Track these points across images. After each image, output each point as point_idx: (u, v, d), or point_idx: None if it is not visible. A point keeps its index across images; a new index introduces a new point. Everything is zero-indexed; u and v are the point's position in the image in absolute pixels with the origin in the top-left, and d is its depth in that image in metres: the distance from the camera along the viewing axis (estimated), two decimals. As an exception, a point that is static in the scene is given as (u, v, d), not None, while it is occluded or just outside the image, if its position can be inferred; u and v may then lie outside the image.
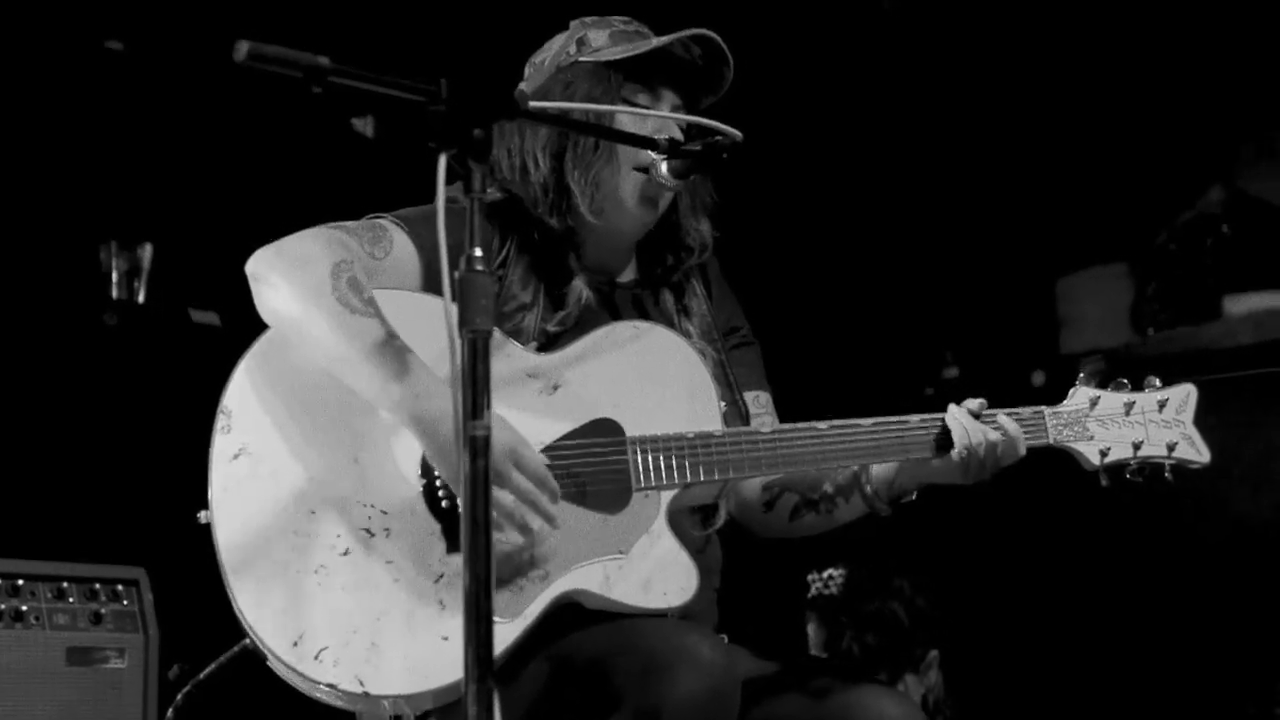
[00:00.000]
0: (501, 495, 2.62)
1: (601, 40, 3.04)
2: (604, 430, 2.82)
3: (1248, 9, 5.77)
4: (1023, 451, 2.99)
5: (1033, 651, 5.67)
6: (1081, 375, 3.12)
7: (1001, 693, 5.63)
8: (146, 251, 5.42)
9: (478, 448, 2.10)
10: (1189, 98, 6.05)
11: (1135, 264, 6.19)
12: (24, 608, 3.99)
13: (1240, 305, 5.66)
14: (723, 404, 2.92)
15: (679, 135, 2.95)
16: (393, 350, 2.65)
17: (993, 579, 5.81)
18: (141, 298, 5.41)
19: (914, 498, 3.06)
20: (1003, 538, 5.63)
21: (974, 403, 2.99)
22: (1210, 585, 5.10)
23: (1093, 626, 5.50)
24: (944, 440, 2.95)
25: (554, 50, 3.08)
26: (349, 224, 2.89)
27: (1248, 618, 5.01)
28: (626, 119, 2.99)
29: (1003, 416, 2.98)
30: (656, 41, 3.00)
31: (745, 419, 3.08)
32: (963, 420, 2.94)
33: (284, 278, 2.73)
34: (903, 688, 5.11)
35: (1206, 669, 5.07)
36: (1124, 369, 5.60)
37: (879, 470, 3.04)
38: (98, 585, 4.12)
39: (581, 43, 3.05)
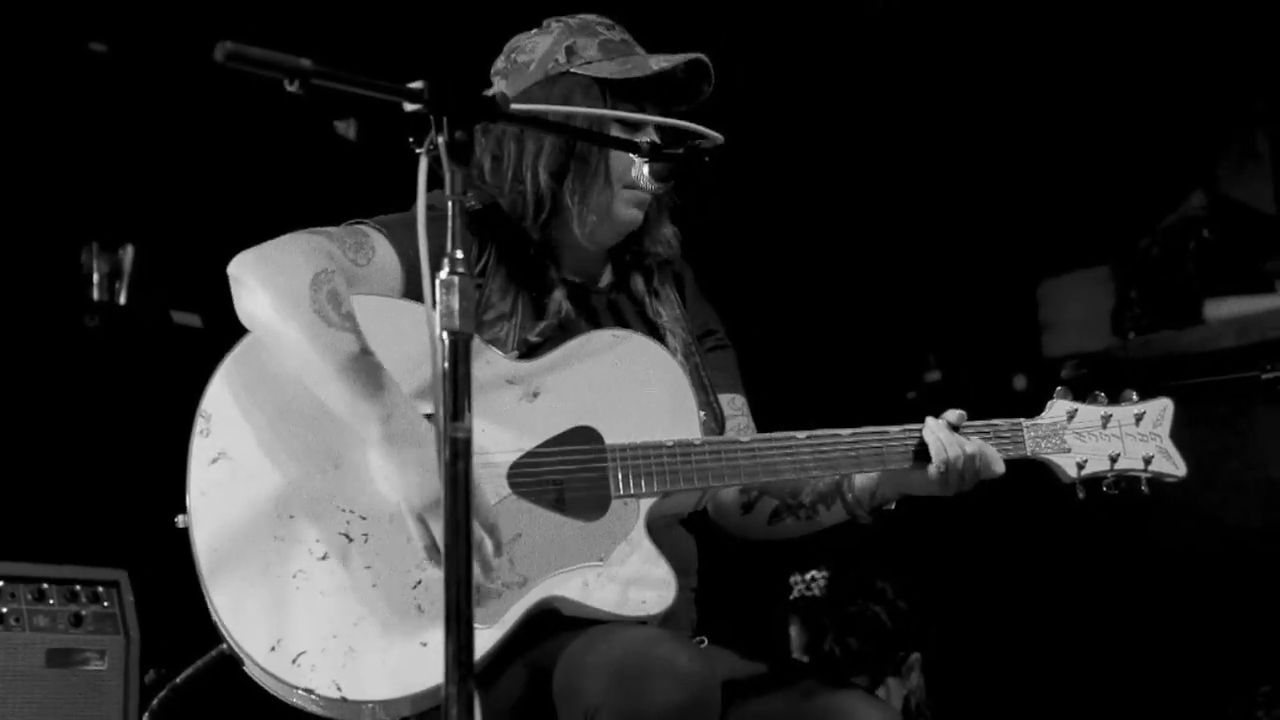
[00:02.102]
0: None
1: (592, 51, 3.02)
2: (584, 438, 2.82)
3: (1229, 14, 5.78)
4: (1000, 469, 2.98)
5: (1015, 655, 5.68)
6: (1059, 388, 3.13)
7: (983, 696, 5.64)
8: (128, 253, 5.41)
9: (458, 449, 2.10)
10: (1171, 102, 6.07)
11: (1117, 268, 6.21)
12: (4, 609, 3.98)
13: (1221, 309, 5.68)
14: (702, 413, 2.92)
15: (657, 139, 2.96)
16: (365, 367, 2.65)
17: (975, 583, 5.82)
18: (123, 299, 5.40)
19: (893, 507, 3.06)
20: (985, 542, 5.63)
21: (953, 414, 2.98)
22: (1191, 589, 5.12)
23: (1075, 630, 5.51)
24: (923, 453, 2.95)
25: (539, 54, 3.05)
26: (331, 230, 2.88)
27: (1229, 621, 5.02)
28: (612, 126, 2.99)
29: (977, 439, 2.97)
30: (655, 65, 2.99)
31: (720, 422, 3.09)
32: (939, 434, 2.93)
33: (263, 285, 2.72)
34: (884, 690, 5.13)
35: (1187, 672, 5.09)
36: (1106, 372, 5.64)
37: (861, 479, 3.04)
38: (78, 587, 4.11)
39: (571, 51, 3.03)
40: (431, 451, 2.60)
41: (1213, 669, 5.03)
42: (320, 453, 2.72)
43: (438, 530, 2.60)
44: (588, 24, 3.08)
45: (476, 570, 2.61)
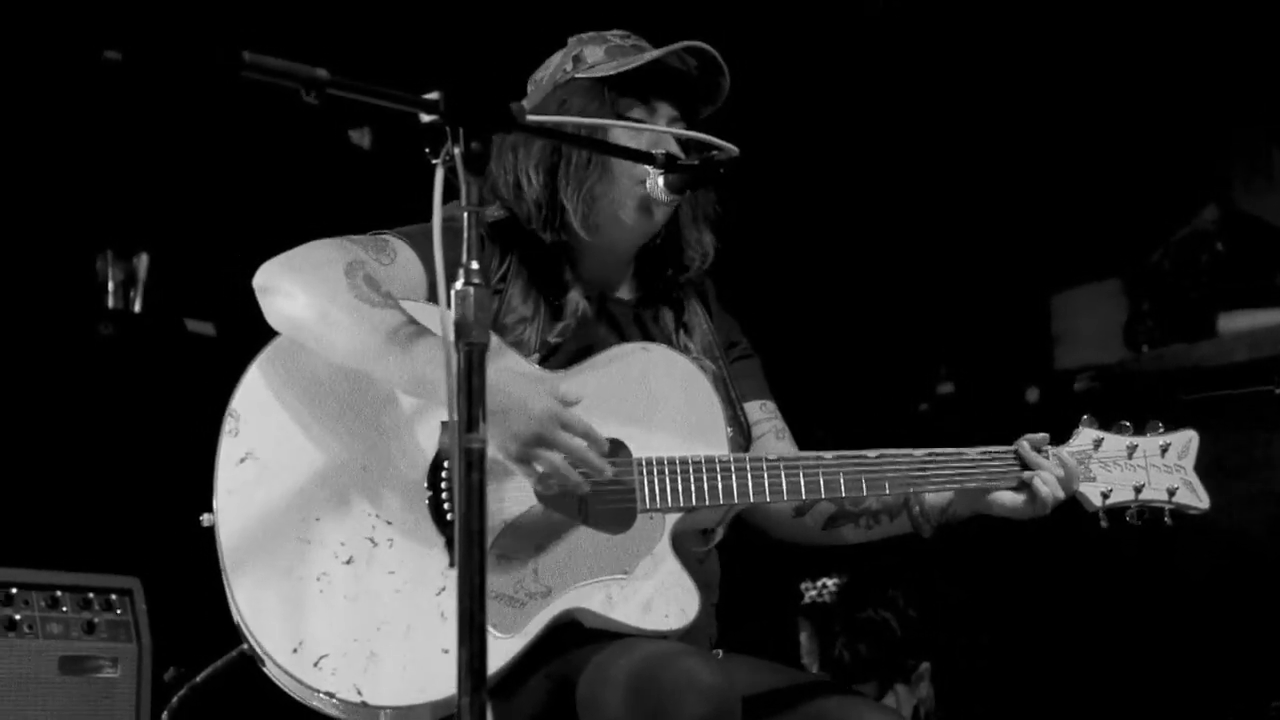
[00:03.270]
0: (552, 456, 2.63)
1: (598, 56, 3.04)
2: (611, 451, 2.81)
3: (1242, 27, 5.78)
4: (1077, 486, 3.01)
5: (1025, 666, 5.67)
6: (1085, 416, 3.12)
7: (993, 708, 5.63)
8: (142, 261, 5.41)
9: (473, 460, 2.10)
10: (1184, 114, 6.07)
11: (1130, 281, 6.20)
12: (17, 616, 3.98)
13: (1234, 323, 5.67)
14: (729, 429, 2.91)
15: (676, 149, 2.95)
16: (418, 336, 2.66)
17: (986, 593, 5.81)
18: (137, 307, 5.41)
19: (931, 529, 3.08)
20: (997, 552, 5.62)
21: (1037, 437, 3.00)
22: (1202, 603, 5.11)
23: (1085, 642, 5.50)
24: (1020, 479, 2.97)
25: (552, 68, 3.09)
26: (353, 236, 2.89)
27: (1241, 635, 5.01)
28: (622, 133, 2.99)
29: (1062, 452, 3.00)
30: (648, 55, 3.00)
31: (746, 432, 3.08)
32: (1033, 455, 2.97)
33: (297, 283, 2.73)
34: (893, 698, 5.12)
35: (1198, 686, 5.07)
36: (1118, 386, 5.63)
37: (933, 496, 3.04)
38: (91, 595, 4.11)
39: (578, 59, 3.06)
40: (505, 402, 2.60)
41: (1223, 683, 5.02)
42: (348, 456, 2.73)
43: (542, 467, 2.62)
44: (601, 35, 3.11)
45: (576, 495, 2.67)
